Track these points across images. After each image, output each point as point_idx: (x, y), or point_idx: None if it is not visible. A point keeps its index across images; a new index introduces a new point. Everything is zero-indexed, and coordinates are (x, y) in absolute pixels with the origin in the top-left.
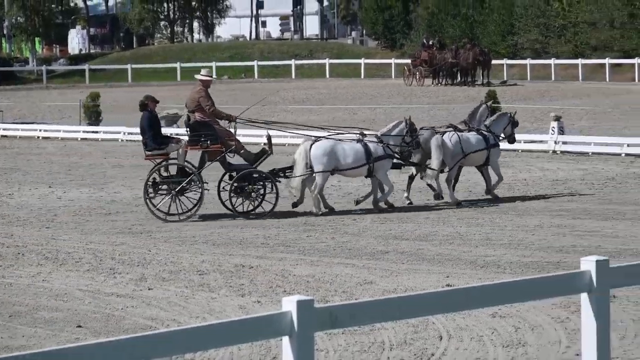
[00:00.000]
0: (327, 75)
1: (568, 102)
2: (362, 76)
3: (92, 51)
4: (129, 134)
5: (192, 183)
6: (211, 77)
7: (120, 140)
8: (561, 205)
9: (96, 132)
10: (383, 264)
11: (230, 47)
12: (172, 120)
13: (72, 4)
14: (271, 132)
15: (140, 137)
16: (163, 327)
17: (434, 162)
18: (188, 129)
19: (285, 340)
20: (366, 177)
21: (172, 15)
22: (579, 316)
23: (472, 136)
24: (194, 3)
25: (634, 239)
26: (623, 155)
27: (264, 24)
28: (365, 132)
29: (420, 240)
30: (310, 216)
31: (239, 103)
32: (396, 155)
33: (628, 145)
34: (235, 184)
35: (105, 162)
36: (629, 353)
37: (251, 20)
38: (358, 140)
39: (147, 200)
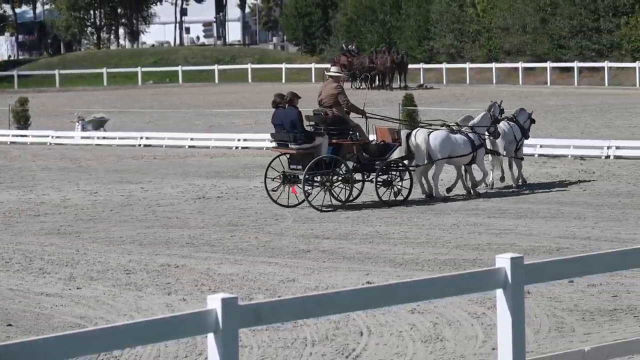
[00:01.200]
0: (250, 80)
1: (483, 105)
2: (284, 80)
3: (20, 57)
4: (57, 137)
5: (341, 175)
6: (342, 73)
7: (48, 143)
8: (477, 204)
9: (25, 135)
10: (305, 262)
11: (155, 53)
12: (99, 124)
13: (0, 12)
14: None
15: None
16: (91, 325)
17: (500, 149)
18: (318, 125)
19: (211, 337)
20: (467, 165)
21: (98, 22)
22: (494, 312)
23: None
24: (120, 10)
25: (547, 237)
26: (536, 155)
27: (187, 30)
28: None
29: (341, 239)
30: (233, 216)
31: (164, 107)
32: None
33: (541, 146)
34: (381, 175)
35: (34, 165)
36: (543, 347)
37: (175, 27)
38: (458, 131)
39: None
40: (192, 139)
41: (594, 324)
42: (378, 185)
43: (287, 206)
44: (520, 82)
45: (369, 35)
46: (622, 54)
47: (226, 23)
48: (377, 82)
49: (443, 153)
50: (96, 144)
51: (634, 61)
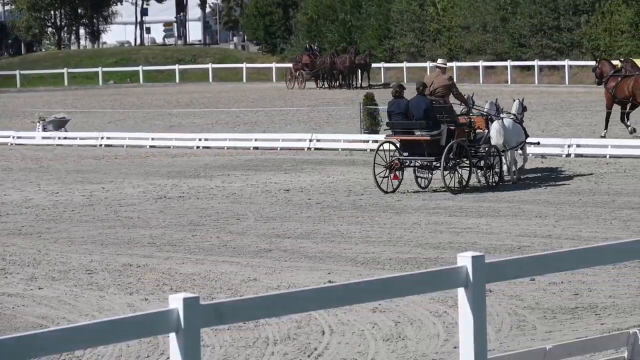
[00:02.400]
0: (210, 80)
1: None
2: (244, 80)
3: None
4: (17, 137)
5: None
6: (446, 65)
7: (9, 144)
8: (438, 203)
9: None
10: (266, 261)
11: (116, 53)
12: (60, 124)
13: None
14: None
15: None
16: (53, 325)
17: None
18: (441, 113)
19: (173, 336)
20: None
21: (59, 22)
22: (456, 310)
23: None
24: (80, 10)
25: (508, 235)
26: None
27: (148, 30)
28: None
29: (302, 239)
30: (194, 216)
31: (125, 107)
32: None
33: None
34: (482, 160)
35: None
36: (505, 345)
37: (136, 27)
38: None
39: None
40: (153, 139)
41: (556, 322)
42: (480, 170)
43: (387, 192)
44: (481, 81)
45: (330, 34)
46: (583, 52)
47: (187, 23)
48: (339, 81)
49: (518, 140)
50: (57, 144)
51: (594, 59)
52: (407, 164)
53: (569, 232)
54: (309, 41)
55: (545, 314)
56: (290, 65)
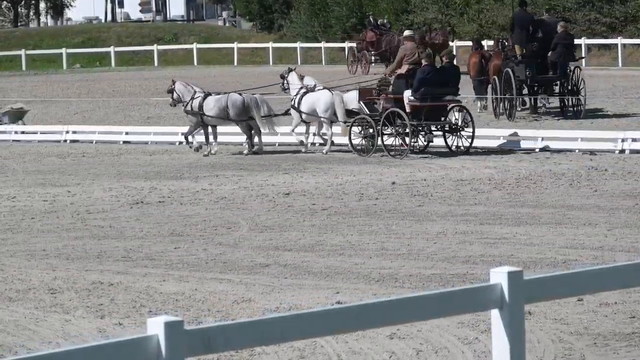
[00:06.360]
0: (195, 63)
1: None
2: (235, 63)
3: None
4: None
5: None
6: None
7: None
8: (467, 209)
9: None
10: (263, 278)
11: (83, 31)
12: (17, 116)
13: None
14: None
15: None
16: (10, 355)
17: None
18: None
19: None
20: None
21: None
22: (489, 336)
23: None
24: None
25: (551, 247)
26: (537, 150)
27: (121, 4)
28: None
29: (306, 251)
30: (177, 225)
31: (94, 95)
32: None
33: (542, 139)
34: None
35: None
36: None
37: (106, 0)
38: None
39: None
40: (127, 134)
41: (609, 350)
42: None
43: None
44: None
45: (337, 8)
46: (639, 29)
47: None
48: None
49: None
50: (13, 140)
51: None
52: (421, 130)
53: (623, 243)
54: (373, 14)
55: (596, 341)
56: (354, 44)
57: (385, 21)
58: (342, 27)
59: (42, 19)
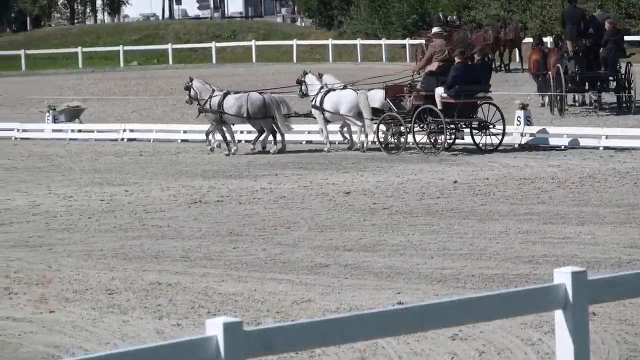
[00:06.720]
0: (254, 60)
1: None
2: (295, 60)
3: None
4: (23, 130)
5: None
6: None
7: (13, 138)
8: (530, 208)
9: None
10: (323, 279)
11: (140, 29)
12: (74, 114)
13: None
14: None
15: None
16: (67, 356)
17: None
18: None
19: None
20: None
21: None
22: (553, 337)
23: None
24: None
25: (616, 247)
26: (601, 148)
27: (178, 1)
28: None
29: (366, 251)
30: (236, 224)
31: (152, 93)
32: None
33: (607, 137)
34: None
35: None
36: None
37: None
38: None
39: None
40: (185, 132)
41: None
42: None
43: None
44: None
45: (398, 5)
46: None
47: None
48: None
49: None
50: (70, 139)
51: None
52: (453, 128)
53: None
54: (442, 10)
55: None
56: (422, 41)
57: (454, 17)
58: (403, 24)
59: (99, 16)
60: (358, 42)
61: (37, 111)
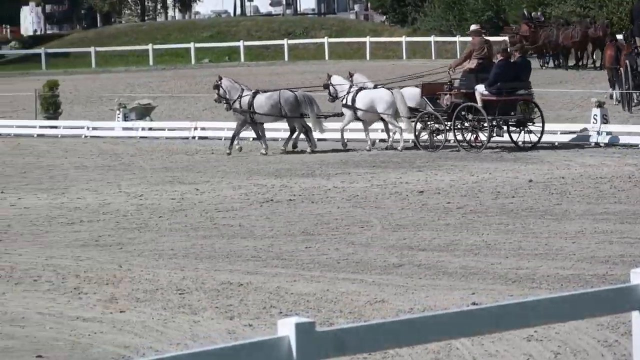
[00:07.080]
0: (327, 57)
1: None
2: (368, 57)
3: (48, 32)
4: (93, 128)
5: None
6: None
7: (83, 136)
8: (606, 207)
9: (55, 127)
10: (396, 279)
11: (211, 25)
12: (144, 112)
13: None
14: None
15: None
16: (138, 356)
17: None
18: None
19: None
20: None
21: None
22: (630, 339)
23: None
24: None
25: None
26: None
27: None
28: None
29: (440, 251)
30: (308, 224)
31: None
32: None
33: None
34: None
35: (66, 162)
36: None
37: None
38: None
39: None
40: None
41: None
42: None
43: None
44: None
45: (473, 1)
46: None
47: None
48: (559, 59)
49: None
50: (141, 137)
51: None
52: (495, 124)
53: None
54: (527, 7)
55: None
56: (506, 37)
57: (539, 14)
58: (477, 21)
59: (170, 12)
60: (432, 39)
61: (108, 109)
